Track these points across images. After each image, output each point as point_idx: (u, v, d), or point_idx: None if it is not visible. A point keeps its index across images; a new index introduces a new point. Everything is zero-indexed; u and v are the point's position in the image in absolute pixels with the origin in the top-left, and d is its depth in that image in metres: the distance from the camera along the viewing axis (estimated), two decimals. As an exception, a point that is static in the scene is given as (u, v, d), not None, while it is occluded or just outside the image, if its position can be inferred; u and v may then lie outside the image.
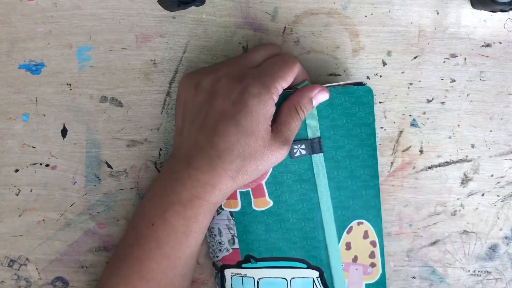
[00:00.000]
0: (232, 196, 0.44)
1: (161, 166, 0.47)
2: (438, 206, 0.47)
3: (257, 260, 0.45)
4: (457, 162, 0.47)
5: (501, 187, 0.47)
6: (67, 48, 0.46)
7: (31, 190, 0.47)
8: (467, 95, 0.46)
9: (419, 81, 0.46)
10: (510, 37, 0.46)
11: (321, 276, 0.45)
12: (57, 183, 0.47)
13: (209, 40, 0.46)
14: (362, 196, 0.44)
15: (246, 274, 0.45)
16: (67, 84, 0.46)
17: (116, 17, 0.45)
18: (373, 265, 0.45)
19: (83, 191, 0.47)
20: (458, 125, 0.47)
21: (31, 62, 0.46)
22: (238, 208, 0.44)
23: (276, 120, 0.42)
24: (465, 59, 0.46)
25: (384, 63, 0.46)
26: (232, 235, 0.45)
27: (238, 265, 0.45)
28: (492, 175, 0.47)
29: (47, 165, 0.47)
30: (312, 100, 0.42)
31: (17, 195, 0.47)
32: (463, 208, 0.47)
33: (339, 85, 0.43)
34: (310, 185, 0.44)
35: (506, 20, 0.46)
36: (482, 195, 0.47)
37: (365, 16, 0.46)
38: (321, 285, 0.45)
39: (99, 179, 0.47)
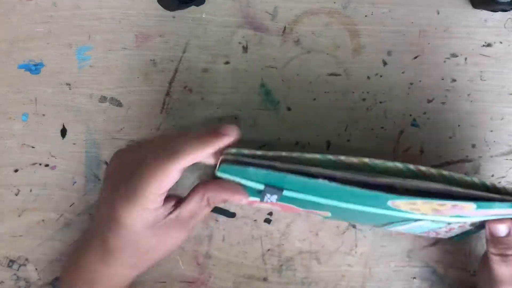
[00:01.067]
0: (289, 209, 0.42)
1: (161, 166, 0.47)
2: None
3: None
4: (457, 162, 0.47)
5: (501, 187, 0.47)
6: (67, 48, 0.46)
7: (31, 190, 0.47)
8: (468, 95, 0.46)
9: (420, 81, 0.46)
10: (510, 36, 0.46)
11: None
12: (56, 183, 0.47)
13: (209, 40, 0.46)
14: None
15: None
16: (67, 84, 0.46)
17: (116, 17, 0.45)
18: (455, 205, 0.37)
19: (82, 191, 0.47)
20: (459, 125, 0.47)
21: (31, 62, 0.46)
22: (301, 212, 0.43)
23: (185, 200, 0.38)
24: (465, 59, 0.46)
25: (385, 63, 0.46)
26: None
27: None
28: (492, 175, 0.47)
29: (47, 165, 0.47)
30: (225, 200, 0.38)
31: (16, 195, 0.47)
32: (464, 208, 0.47)
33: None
34: (319, 205, 0.39)
35: (506, 19, 0.46)
36: (483, 195, 0.47)
37: (366, 15, 0.45)
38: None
39: (99, 179, 0.47)
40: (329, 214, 0.41)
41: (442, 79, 0.46)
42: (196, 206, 0.38)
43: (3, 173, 0.47)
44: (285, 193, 0.37)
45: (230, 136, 0.36)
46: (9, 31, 0.46)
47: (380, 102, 0.46)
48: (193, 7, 0.45)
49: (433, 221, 0.40)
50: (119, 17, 0.45)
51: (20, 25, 0.45)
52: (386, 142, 0.47)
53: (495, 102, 0.46)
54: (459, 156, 0.47)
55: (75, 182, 0.47)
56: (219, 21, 0.46)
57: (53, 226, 0.47)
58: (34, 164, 0.47)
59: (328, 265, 0.47)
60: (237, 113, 0.46)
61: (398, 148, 0.47)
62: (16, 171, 0.47)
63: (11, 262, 0.47)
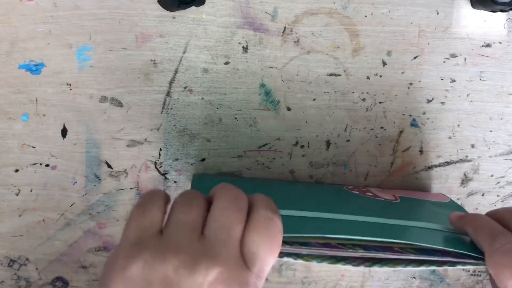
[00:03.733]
0: None
1: (160, 166, 0.47)
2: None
3: None
4: (457, 162, 0.47)
5: (501, 187, 0.47)
6: (67, 48, 0.46)
7: (31, 190, 0.47)
8: (467, 95, 0.46)
9: (419, 81, 0.46)
10: (510, 37, 0.46)
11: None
12: (57, 183, 0.47)
13: (209, 40, 0.46)
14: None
15: None
16: (67, 84, 0.46)
17: (116, 17, 0.45)
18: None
19: (83, 191, 0.47)
20: (458, 125, 0.47)
21: (31, 62, 0.46)
22: None
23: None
24: (465, 59, 0.46)
25: (384, 63, 0.46)
26: None
27: None
28: (492, 175, 0.47)
29: (47, 165, 0.47)
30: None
31: (17, 195, 0.47)
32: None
33: None
34: None
35: (506, 20, 0.46)
36: (482, 195, 0.47)
37: (365, 16, 0.46)
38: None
39: (99, 179, 0.47)
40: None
41: (442, 79, 0.46)
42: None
43: (3, 173, 0.47)
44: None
45: None
46: (10, 31, 0.46)
47: (380, 102, 0.46)
48: (193, 8, 0.45)
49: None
50: (119, 17, 0.45)
51: (21, 25, 0.45)
52: (386, 142, 0.47)
53: (494, 102, 0.47)
54: (459, 156, 0.47)
55: (75, 182, 0.47)
56: (219, 22, 0.46)
57: (53, 226, 0.47)
58: (34, 164, 0.47)
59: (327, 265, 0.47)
60: (237, 113, 0.46)
61: (398, 148, 0.47)
62: (16, 171, 0.47)
63: (12, 261, 0.47)
